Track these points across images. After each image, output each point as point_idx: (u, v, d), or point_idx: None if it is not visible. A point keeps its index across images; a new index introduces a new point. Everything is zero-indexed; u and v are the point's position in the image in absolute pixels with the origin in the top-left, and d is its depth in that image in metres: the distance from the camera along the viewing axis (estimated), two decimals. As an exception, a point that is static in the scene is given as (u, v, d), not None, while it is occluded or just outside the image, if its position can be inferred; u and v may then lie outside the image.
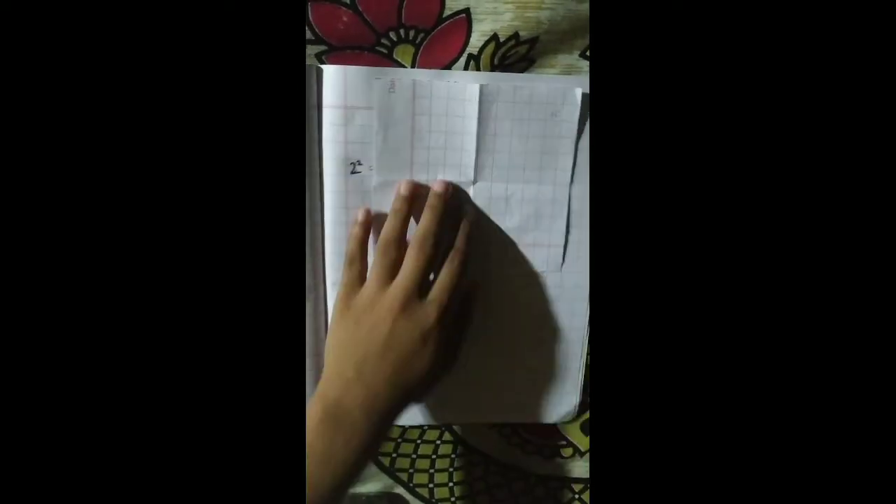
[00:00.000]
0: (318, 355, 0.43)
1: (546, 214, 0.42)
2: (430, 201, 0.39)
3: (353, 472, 0.37)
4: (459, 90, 0.38)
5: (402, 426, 0.50)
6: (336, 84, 0.38)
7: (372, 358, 0.37)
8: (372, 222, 0.40)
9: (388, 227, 0.39)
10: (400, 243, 0.39)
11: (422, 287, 0.38)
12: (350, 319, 0.38)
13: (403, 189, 0.39)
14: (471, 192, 0.41)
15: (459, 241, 0.40)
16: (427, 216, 0.39)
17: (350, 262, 0.39)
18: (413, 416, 0.48)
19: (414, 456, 0.51)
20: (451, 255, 0.39)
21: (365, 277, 0.39)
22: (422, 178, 0.40)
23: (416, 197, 0.39)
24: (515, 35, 0.37)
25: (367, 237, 0.40)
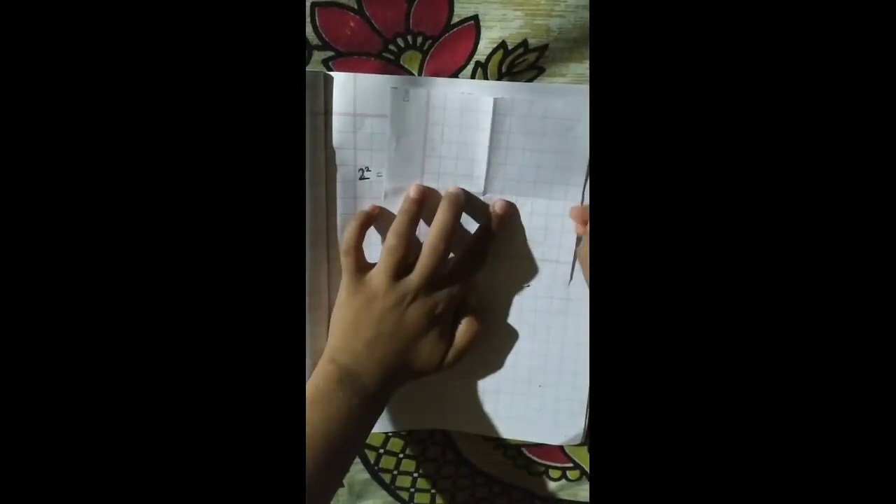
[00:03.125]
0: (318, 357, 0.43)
1: (556, 229, 0.41)
2: (446, 201, 0.39)
3: (365, 433, 0.41)
4: (473, 101, 0.38)
5: (405, 441, 0.49)
6: (345, 91, 0.38)
7: (383, 338, 0.40)
8: (376, 217, 0.40)
9: (396, 224, 0.39)
10: (408, 240, 0.39)
11: (434, 281, 0.39)
12: (359, 302, 0.40)
13: (413, 192, 0.39)
14: None
15: (476, 238, 0.41)
16: (443, 215, 0.39)
17: (346, 251, 0.40)
18: (413, 420, 0.47)
19: (416, 474, 0.50)
20: (464, 253, 0.40)
21: (361, 264, 0.40)
22: (432, 186, 0.40)
23: (425, 201, 0.40)
24: (524, 43, 0.36)
25: (365, 227, 0.40)
